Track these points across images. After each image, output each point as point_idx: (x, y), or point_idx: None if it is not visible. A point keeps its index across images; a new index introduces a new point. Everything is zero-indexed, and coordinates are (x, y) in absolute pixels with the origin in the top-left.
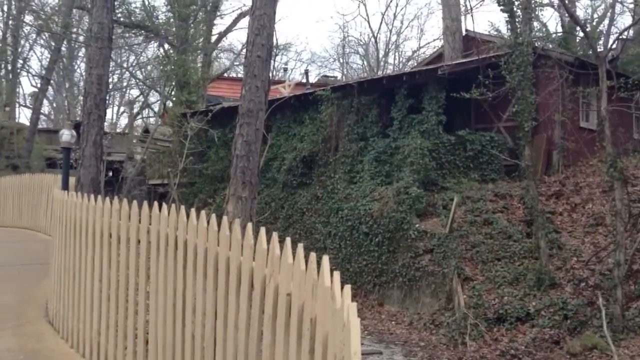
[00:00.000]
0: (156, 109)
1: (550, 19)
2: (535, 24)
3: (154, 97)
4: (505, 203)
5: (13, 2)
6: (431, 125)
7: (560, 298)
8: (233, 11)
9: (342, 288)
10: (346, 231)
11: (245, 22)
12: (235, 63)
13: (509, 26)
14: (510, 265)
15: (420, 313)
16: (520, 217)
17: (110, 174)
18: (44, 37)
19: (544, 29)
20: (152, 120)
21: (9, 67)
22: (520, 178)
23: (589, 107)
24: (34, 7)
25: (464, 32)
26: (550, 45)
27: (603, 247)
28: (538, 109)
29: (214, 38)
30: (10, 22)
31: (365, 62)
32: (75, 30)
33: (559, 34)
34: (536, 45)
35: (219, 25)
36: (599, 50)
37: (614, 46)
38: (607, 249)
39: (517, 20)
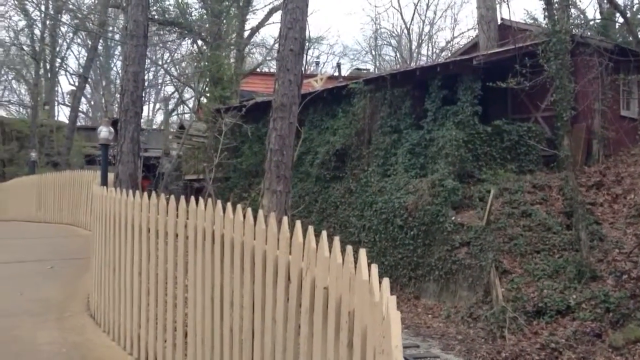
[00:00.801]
0: (191, 105)
1: (589, 6)
2: (573, 10)
3: (188, 94)
4: (543, 194)
5: (50, 2)
6: (466, 116)
7: (602, 291)
8: (265, 6)
9: (380, 281)
10: (380, 224)
11: (277, 16)
12: (267, 58)
13: (546, 14)
14: (550, 257)
15: (457, 306)
16: (560, 209)
17: (147, 170)
18: (80, 36)
19: (581, 16)
20: (187, 116)
21: (48, 67)
22: (559, 169)
23: (630, 95)
24: (70, 7)
25: (499, 21)
26: (589, 33)
27: None
28: (577, 98)
29: (246, 33)
30: (48, 22)
31: (397, 54)
32: (111, 28)
33: (598, 21)
34: (574, 32)
35: (252, 20)
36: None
37: None
38: None
39: (554, 7)
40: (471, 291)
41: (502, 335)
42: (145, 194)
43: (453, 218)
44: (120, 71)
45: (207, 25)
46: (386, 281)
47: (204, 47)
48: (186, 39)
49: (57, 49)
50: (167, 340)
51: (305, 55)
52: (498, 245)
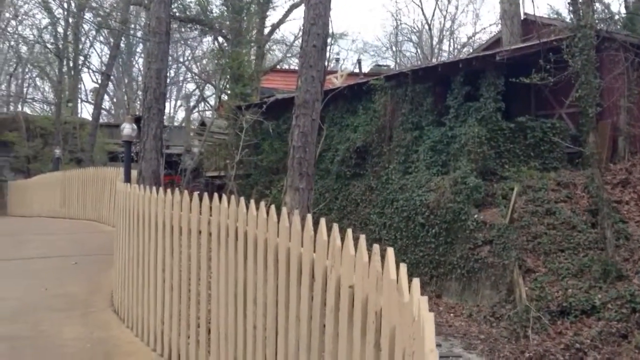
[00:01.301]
0: (212, 103)
1: (614, 0)
2: (598, 5)
3: (209, 91)
4: (568, 192)
5: (73, 0)
6: (489, 113)
7: (628, 290)
8: (285, 2)
9: (410, 281)
10: (402, 222)
11: (296, 13)
12: (287, 55)
13: (570, 8)
14: (575, 256)
15: (480, 305)
16: (585, 207)
17: (169, 166)
18: (103, 34)
19: (607, 11)
20: (208, 113)
21: (71, 64)
22: (584, 166)
23: None
24: (93, 4)
25: (522, 16)
26: (615, 27)
27: None
28: (602, 94)
29: (266, 30)
30: (71, 19)
31: (418, 50)
32: (132, 26)
33: (623, 15)
34: (599, 27)
35: (272, 17)
36: None
37: None
38: None
39: (579, 2)
40: (494, 290)
41: (525, 335)
42: (169, 190)
43: (475, 216)
44: (142, 68)
45: (228, 22)
46: (416, 281)
47: (225, 44)
48: (207, 36)
49: (80, 46)
50: (191, 336)
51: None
52: (521, 243)
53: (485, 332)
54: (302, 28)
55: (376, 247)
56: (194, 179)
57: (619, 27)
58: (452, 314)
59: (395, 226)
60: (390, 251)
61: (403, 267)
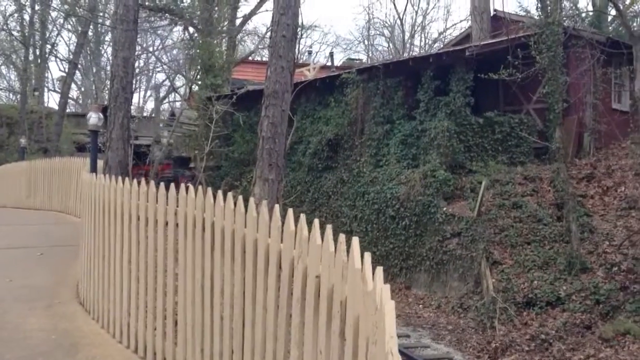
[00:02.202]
0: (182, 93)
1: None
2: (566, 2)
3: (180, 82)
4: (534, 186)
5: None
6: (458, 107)
7: (592, 282)
8: None
9: (373, 270)
10: (372, 214)
11: (269, 4)
12: (260, 46)
13: (539, 5)
14: (540, 249)
15: (448, 297)
16: (551, 201)
17: (137, 158)
18: (71, 22)
19: (574, 8)
20: (178, 104)
21: (37, 52)
22: (550, 161)
23: (622, 88)
24: None
25: (492, 12)
26: (582, 25)
27: (636, 231)
28: (569, 91)
29: (238, 21)
30: (37, 7)
31: (390, 45)
32: (101, 14)
33: (590, 13)
34: (567, 24)
35: (243, 7)
36: (633, 28)
37: None
38: None
39: None
40: (462, 282)
41: (492, 325)
42: (135, 180)
43: (444, 209)
44: (110, 57)
45: (199, 12)
46: (379, 270)
47: (195, 35)
48: (177, 25)
49: (47, 34)
50: (157, 328)
51: (298, 43)
52: (489, 236)
53: (453, 323)
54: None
55: (342, 236)
56: (183, 169)
57: (586, 24)
58: (421, 305)
59: (366, 218)
60: (355, 240)
61: (367, 256)
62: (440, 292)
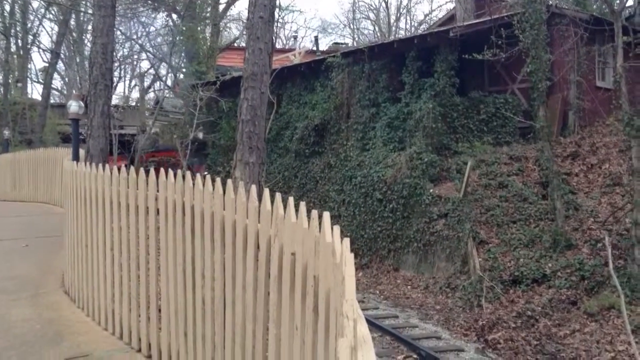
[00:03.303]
0: (167, 82)
1: None
2: None
3: (165, 70)
4: (520, 165)
5: None
6: (443, 88)
7: (577, 259)
8: None
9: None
10: (360, 198)
11: None
12: (244, 33)
13: None
14: (526, 227)
15: (436, 277)
16: (536, 179)
17: (122, 146)
18: (53, 12)
19: None
20: (165, 93)
21: (19, 43)
22: (535, 140)
23: (605, 66)
24: None
25: None
26: (565, 3)
27: (620, 207)
28: (553, 69)
29: (221, 7)
30: None
31: (376, 28)
32: (83, 2)
33: None
34: (550, 2)
35: None
36: (615, 5)
37: (630, 2)
38: (625, 209)
39: None
40: (449, 262)
41: (479, 304)
42: (115, 167)
43: (431, 190)
44: None
45: None
46: (347, 240)
47: (178, 21)
48: (159, 12)
49: (29, 24)
50: (141, 314)
51: (282, 28)
52: (475, 216)
53: (441, 303)
54: None
55: (314, 212)
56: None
57: (569, 2)
58: (409, 286)
59: (354, 202)
60: (326, 215)
61: (337, 229)
62: (428, 273)
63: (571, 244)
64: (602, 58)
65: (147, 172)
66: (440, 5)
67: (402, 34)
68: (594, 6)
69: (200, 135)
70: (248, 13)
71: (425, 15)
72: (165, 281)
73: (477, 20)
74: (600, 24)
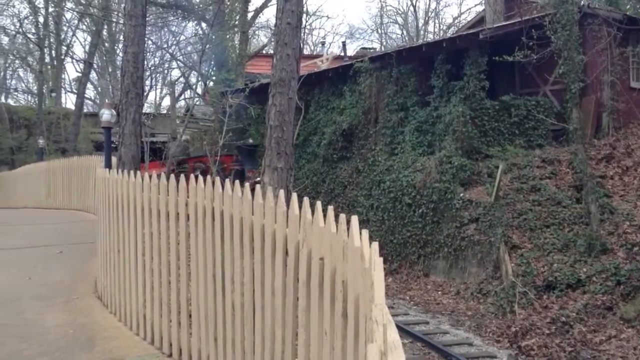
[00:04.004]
0: (197, 89)
1: None
2: None
3: (195, 78)
4: (553, 169)
5: None
6: (472, 92)
7: (613, 263)
8: None
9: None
10: (389, 203)
11: None
12: (272, 40)
13: None
14: (560, 231)
15: (467, 283)
16: (570, 183)
17: (154, 154)
18: (85, 23)
19: None
20: (195, 101)
21: (53, 54)
22: (568, 142)
23: None
24: None
25: None
26: (597, 3)
27: None
28: (586, 70)
29: (250, 15)
30: (51, 8)
31: (404, 32)
32: (115, 12)
33: None
34: (582, 3)
35: (255, 1)
36: None
37: None
38: None
39: None
40: (480, 267)
41: (512, 310)
42: (146, 174)
43: (461, 195)
44: None
45: (210, 7)
46: (375, 245)
47: (208, 30)
48: (190, 21)
49: (62, 36)
50: (172, 319)
51: (309, 34)
52: (507, 220)
53: (473, 309)
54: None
55: (342, 216)
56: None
57: (602, 2)
58: (439, 292)
59: (383, 207)
60: (354, 219)
61: (365, 233)
62: (459, 279)
63: (606, 248)
64: (637, 58)
65: (186, 177)
66: (470, 8)
67: (430, 37)
68: (627, 6)
69: (251, 140)
70: (276, 19)
71: (454, 19)
72: (196, 286)
73: (508, 22)
74: (634, 23)
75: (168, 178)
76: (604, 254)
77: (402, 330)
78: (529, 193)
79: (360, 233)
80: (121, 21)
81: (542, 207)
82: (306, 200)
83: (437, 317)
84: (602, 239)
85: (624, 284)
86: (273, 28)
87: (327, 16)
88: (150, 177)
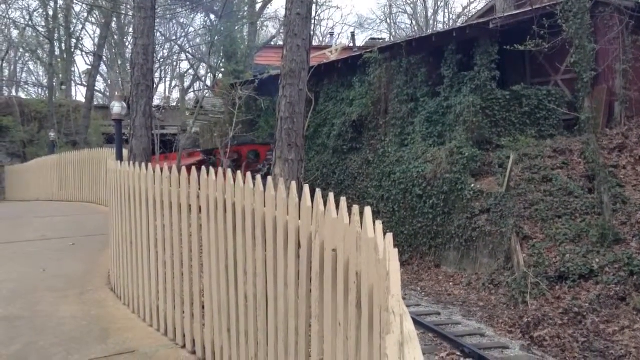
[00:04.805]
0: (206, 81)
1: None
2: None
3: (204, 70)
4: (564, 159)
5: None
6: (483, 82)
7: (626, 254)
8: None
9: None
10: (399, 194)
11: None
12: (281, 31)
13: None
14: (572, 222)
15: (479, 273)
16: (582, 173)
17: (164, 146)
18: (95, 15)
19: None
20: (205, 93)
21: (63, 47)
22: (580, 132)
23: None
24: None
25: None
26: None
27: None
28: (597, 59)
29: (258, 6)
30: (60, 1)
31: (413, 22)
32: (124, 5)
33: None
34: None
35: None
36: None
37: None
38: None
39: None
40: (492, 258)
41: (524, 300)
42: (158, 166)
43: (472, 185)
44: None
45: None
46: (390, 236)
47: (216, 22)
48: (198, 13)
49: (72, 28)
50: (185, 310)
51: (318, 25)
52: (519, 211)
53: (484, 300)
54: None
55: (355, 207)
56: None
57: None
58: (451, 283)
59: (393, 199)
60: (367, 210)
61: (379, 224)
62: (470, 269)
63: (619, 238)
64: None
65: (188, 170)
66: None
67: (440, 27)
68: None
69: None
70: (285, 10)
71: (464, 8)
72: (209, 278)
73: (518, 11)
74: None
75: (180, 170)
76: (616, 244)
77: (414, 322)
78: (541, 183)
79: (374, 224)
80: (130, 13)
81: (554, 198)
82: (318, 191)
83: (449, 308)
84: (614, 229)
85: (638, 275)
86: (282, 19)
87: (337, 7)
88: (162, 169)
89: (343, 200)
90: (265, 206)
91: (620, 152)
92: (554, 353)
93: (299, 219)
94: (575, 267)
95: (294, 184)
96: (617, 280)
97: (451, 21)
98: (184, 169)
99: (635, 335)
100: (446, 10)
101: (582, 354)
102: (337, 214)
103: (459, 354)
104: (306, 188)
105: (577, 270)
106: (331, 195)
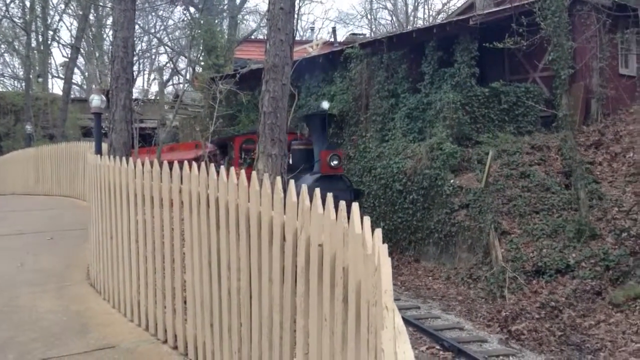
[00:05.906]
0: (186, 75)
1: None
2: None
3: (183, 63)
4: (542, 155)
5: None
6: (463, 78)
7: (602, 249)
8: None
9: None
10: (380, 190)
11: None
12: (261, 25)
13: None
14: (549, 217)
15: (457, 268)
16: (559, 169)
17: (143, 140)
18: (72, 7)
19: None
20: (185, 86)
21: (40, 39)
22: (557, 129)
23: (628, 53)
24: None
25: None
26: None
27: None
28: (575, 57)
29: (238, 0)
30: None
31: (394, 18)
32: None
33: None
34: None
35: None
36: None
37: None
38: None
39: None
40: (471, 253)
41: (502, 295)
42: (139, 160)
43: (452, 181)
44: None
45: None
46: (378, 232)
47: (196, 15)
48: (177, 5)
49: (49, 20)
50: (167, 305)
51: (299, 19)
52: (497, 206)
53: (463, 294)
54: None
55: (342, 203)
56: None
57: None
58: (430, 277)
59: (374, 194)
60: (355, 206)
61: (367, 220)
62: (449, 264)
63: (595, 233)
64: (626, 45)
65: (170, 164)
66: None
67: (420, 23)
68: None
69: (325, 104)
70: (269, 4)
71: (444, 4)
72: (191, 273)
73: (498, 8)
74: (623, 10)
75: (161, 164)
76: (592, 240)
77: None
78: (519, 179)
79: (362, 220)
80: (108, 5)
81: (532, 193)
82: (304, 186)
83: (428, 302)
84: (590, 225)
85: (613, 269)
86: (262, 13)
87: (320, 1)
88: (143, 164)
89: (329, 195)
90: (249, 201)
91: (596, 149)
92: (531, 346)
93: (284, 215)
94: (552, 262)
95: (278, 179)
96: (593, 275)
97: (431, 17)
98: (165, 162)
99: (611, 329)
100: (426, 7)
101: (558, 348)
102: (324, 210)
103: (438, 347)
104: (291, 183)
105: (554, 265)
106: (317, 191)
